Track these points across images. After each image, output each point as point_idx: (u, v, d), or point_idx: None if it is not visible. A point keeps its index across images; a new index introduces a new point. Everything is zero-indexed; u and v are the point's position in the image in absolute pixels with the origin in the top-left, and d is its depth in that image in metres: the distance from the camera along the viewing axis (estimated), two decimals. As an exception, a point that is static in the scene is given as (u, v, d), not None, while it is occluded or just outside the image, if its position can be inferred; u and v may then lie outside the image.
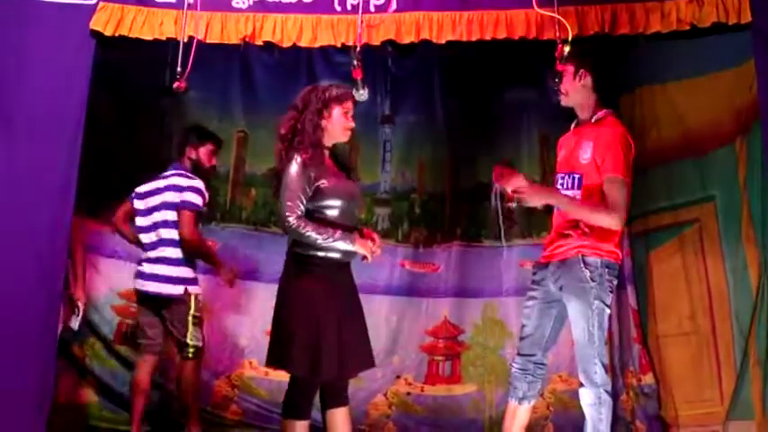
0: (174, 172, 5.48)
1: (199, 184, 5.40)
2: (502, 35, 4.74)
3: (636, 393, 6.04)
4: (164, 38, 4.89)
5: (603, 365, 4.13)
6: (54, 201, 4.78)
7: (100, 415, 6.08)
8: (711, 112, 5.88)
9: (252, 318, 6.35)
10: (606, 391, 4.13)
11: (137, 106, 6.39)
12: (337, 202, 4.17)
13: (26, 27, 4.81)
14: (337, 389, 4.25)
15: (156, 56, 5.59)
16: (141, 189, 5.54)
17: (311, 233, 4.03)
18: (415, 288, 6.51)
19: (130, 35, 4.90)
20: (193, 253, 5.40)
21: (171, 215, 5.39)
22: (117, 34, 4.88)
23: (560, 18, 4.42)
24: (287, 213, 4.05)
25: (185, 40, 4.74)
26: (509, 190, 4.11)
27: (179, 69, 4.69)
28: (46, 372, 4.73)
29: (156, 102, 6.36)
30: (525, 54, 5.69)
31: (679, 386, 6.00)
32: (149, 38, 4.90)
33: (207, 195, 5.47)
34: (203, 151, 5.55)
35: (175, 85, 4.71)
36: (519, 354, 4.39)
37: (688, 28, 4.65)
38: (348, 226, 4.19)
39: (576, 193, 4.21)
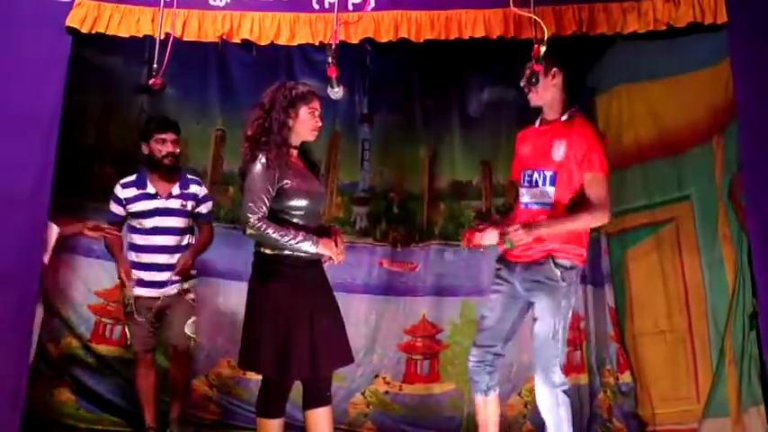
0: None
1: (116, 189, 5.50)
2: (480, 34, 4.75)
3: (613, 392, 6.08)
4: (141, 35, 4.87)
5: (561, 366, 4.19)
6: (29, 199, 4.75)
7: (77, 414, 6.03)
8: (688, 110, 5.91)
9: (229, 317, 6.33)
10: (564, 392, 4.17)
11: (114, 104, 6.35)
12: (303, 203, 4.17)
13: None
14: (318, 388, 4.24)
15: (133, 54, 5.57)
16: None
17: (273, 234, 4.02)
18: (393, 287, 6.52)
19: (107, 32, 4.87)
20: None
21: None
22: (94, 31, 4.85)
23: (536, 18, 4.43)
24: (248, 214, 4.03)
25: (162, 38, 4.72)
26: (484, 244, 4.27)
27: (155, 66, 4.67)
28: (19, 371, 4.70)
29: (133, 100, 6.33)
30: (503, 53, 5.72)
31: (656, 384, 6.05)
32: (126, 35, 4.88)
33: (135, 194, 5.48)
34: (152, 144, 5.48)
35: (151, 81, 4.70)
36: (477, 345, 4.42)
37: (665, 28, 4.68)
38: (311, 228, 4.18)
39: (548, 190, 4.25)
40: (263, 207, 4.04)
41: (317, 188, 4.31)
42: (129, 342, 5.51)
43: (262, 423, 4.16)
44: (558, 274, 4.17)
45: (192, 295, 5.58)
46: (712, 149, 5.75)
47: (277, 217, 4.11)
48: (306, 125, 4.23)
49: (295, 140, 4.26)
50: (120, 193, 5.47)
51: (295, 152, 4.29)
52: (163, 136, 5.46)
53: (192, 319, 5.50)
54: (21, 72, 4.76)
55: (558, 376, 4.17)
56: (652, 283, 6.12)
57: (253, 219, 4.01)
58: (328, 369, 4.31)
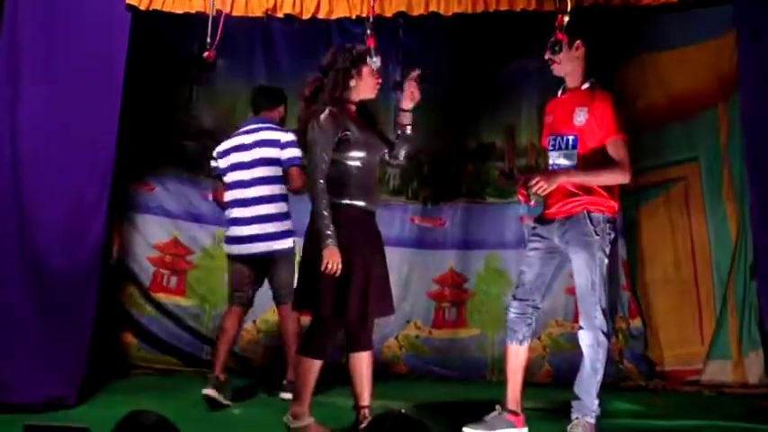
0: (261, 126, 5.20)
1: (294, 136, 4.82)
2: (504, 7, 4.80)
3: (624, 336, 6.16)
4: (193, 11, 4.95)
5: (603, 310, 4.24)
6: (96, 162, 4.90)
7: (138, 355, 6.26)
8: (696, 78, 5.97)
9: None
10: (603, 333, 4.25)
11: (169, 77, 6.44)
12: (361, 153, 4.12)
13: (69, 4, 4.89)
14: (362, 333, 4.22)
15: (187, 29, 5.64)
16: (221, 148, 5.23)
17: (323, 210, 3.96)
18: (423, 241, 6.58)
19: (163, 9, 4.95)
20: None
21: (271, 171, 5.11)
22: (151, 8, 4.94)
23: (560, -12, 4.47)
24: (317, 174, 4.02)
25: (213, 14, 4.81)
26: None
27: (208, 40, 4.75)
28: (86, 316, 4.88)
29: (187, 71, 6.40)
30: (526, 26, 5.73)
31: (664, 329, 6.15)
32: (180, 12, 4.96)
33: None
34: (281, 111, 5.32)
35: (205, 54, 4.76)
36: (516, 299, 4.44)
37: (675, 1, 4.69)
38: (369, 181, 4.17)
39: (572, 153, 4.30)
40: (324, 166, 4.00)
41: (373, 141, 4.23)
42: None
43: (304, 362, 4.08)
44: (592, 229, 4.18)
45: None
46: (717, 115, 5.82)
47: (338, 166, 4.07)
48: (367, 83, 4.19)
49: (355, 97, 4.20)
50: None
51: (354, 107, 4.22)
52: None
53: None
54: (87, 46, 4.87)
55: (598, 320, 4.20)
56: (662, 238, 6.21)
57: (321, 183, 3.99)
58: (375, 315, 4.28)
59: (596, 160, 4.27)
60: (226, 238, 5.21)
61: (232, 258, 5.17)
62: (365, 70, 4.17)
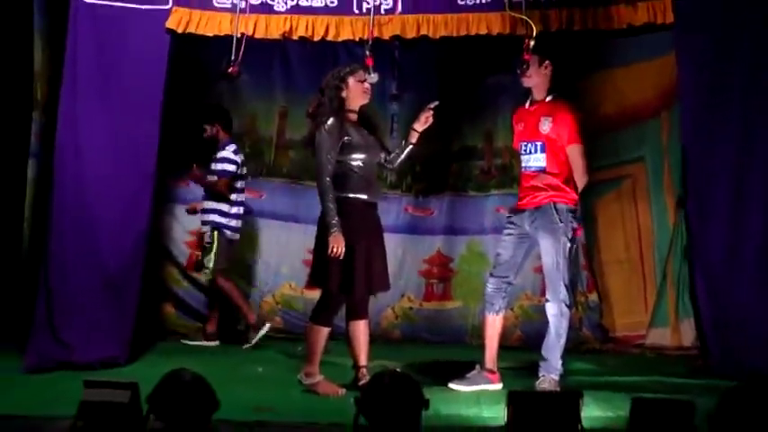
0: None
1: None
2: (483, 32, 4.79)
3: (583, 308, 6.19)
4: (222, 34, 5.00)
5: (566, 285, 4.32)
6: (140, 162, 4.93)
7: (176, 322, 6.35)
8: (644, 91, 6.05)
9: (291, 250, 6.49)
10: (566, 305, 4.32)
11: (200, 90, 6.45)
12: (361, 155, 4.20)
13: (119, 29, 4.92)
14: (360, 305, 4.31)
15: (216, 49, 5.68)
16: (242, 158, 6.07)
17: (329, 203, 4.05)
18: (415, 227, 6.61)
19: (197, 32, 5.00)
20: None
21: None
22: (187, 32, 4.98)
23: (527, 19, 4.51)
24: (324, 173, 4.09)
25: (238, 36, 4.85)
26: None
27: (233, 58, 4.80)
28: (134, 287, 4.96)
29: (216, 85, 6.39)
30: (502, 47, 5.76)
31: (616, 301, 6.23)
32: (211, 34, 5.01)
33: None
34: None
35: (230, 69, 4.79)
36: (493, 276, 4.52)
37: (625, 26, 4.74)
38: (369, 178, 4.27)
39: (541, 156, 4.37)
40: (329, 166, 4.10)
41: (373, 144, 4.32)
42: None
43: (314, 329, 4.20)
44: (557, 217, 4.27)
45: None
46: (661, 121, 5.88)
47: (342, 166, 4.16)
48: (356, 91, 4.25)
49: (352, 105, 4.28)
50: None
51: (355, 116, 4.30)
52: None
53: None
54: (134, 65, 4.92)
55: (562, 294, 4.28)
56: (614, 225, 6.28)
57: (328, 180, 4.07)
58: (376, 291, 4.39)
59: (560, 162, 4.34)
60: (233, 228, 5.97)
61: (230, 242, 5.98)
62: (350, 81, 4.25)
